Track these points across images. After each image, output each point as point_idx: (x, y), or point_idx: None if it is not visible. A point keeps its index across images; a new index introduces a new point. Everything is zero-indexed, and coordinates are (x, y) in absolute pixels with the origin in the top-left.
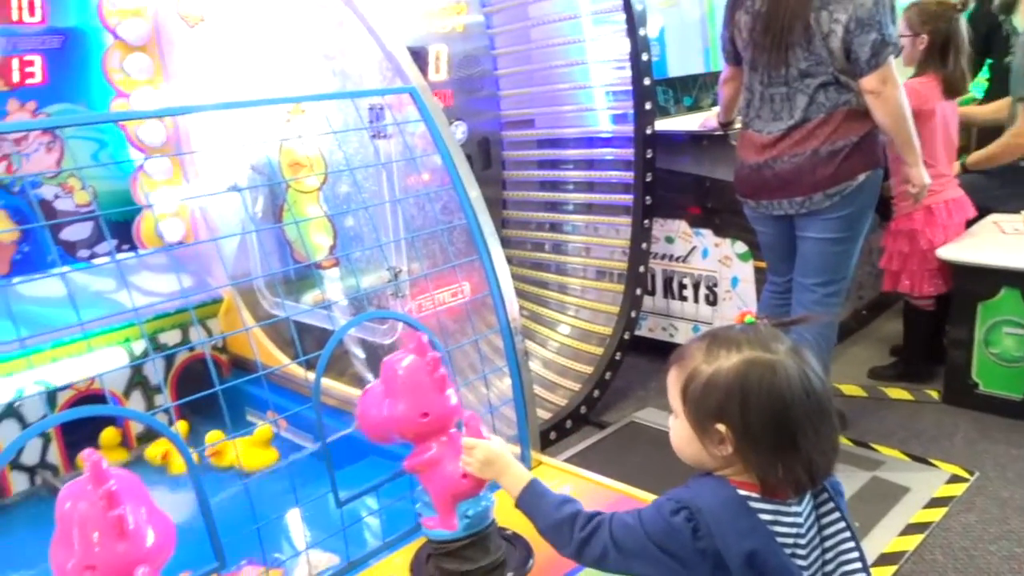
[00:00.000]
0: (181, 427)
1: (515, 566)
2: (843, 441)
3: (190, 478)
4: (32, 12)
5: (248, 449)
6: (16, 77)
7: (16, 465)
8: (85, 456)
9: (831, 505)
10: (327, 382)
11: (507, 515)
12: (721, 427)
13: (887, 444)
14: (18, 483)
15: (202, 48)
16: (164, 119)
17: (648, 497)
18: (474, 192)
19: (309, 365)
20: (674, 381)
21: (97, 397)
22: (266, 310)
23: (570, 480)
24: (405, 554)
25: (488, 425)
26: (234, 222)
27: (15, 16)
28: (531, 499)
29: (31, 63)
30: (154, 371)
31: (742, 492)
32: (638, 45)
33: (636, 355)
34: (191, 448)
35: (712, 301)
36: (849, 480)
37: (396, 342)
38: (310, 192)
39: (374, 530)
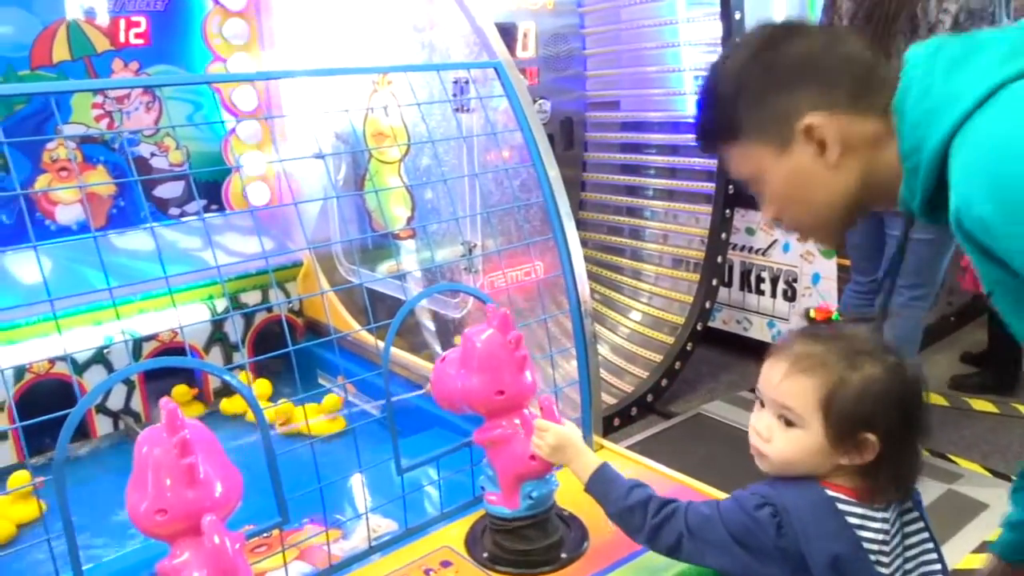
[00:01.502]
0: (263, 386)
1: (571, 547)
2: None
3: (260, 434)
4: None
5: (316, 417)
6: (122, 37)
7: (102, 409)
8: (163, 404)
9: (915, 514)
10: (396, 351)
11: (564, 495)
12: (871, 436)
13: (967, 457)
14: (103, 426)
15: (297, 15)
16: (257, 84)
17: (711, 491)
18: (553, 171)
19: (380, 333)
20: (807, 391)
21: (179, 350)
22: (342, 276)
23: (631, 467)
24: (462, 526)
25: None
26: (317, 188)
27: None
28: (601, 484)
29: (137, 24)
30: (233, 329)
31: (831, 493)
32: (731, 28)
33: (708, 346)
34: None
35: (790, 297)
36: (925, 492)
37: (465, 316)
38: (392, 163)
39: (434, 500)
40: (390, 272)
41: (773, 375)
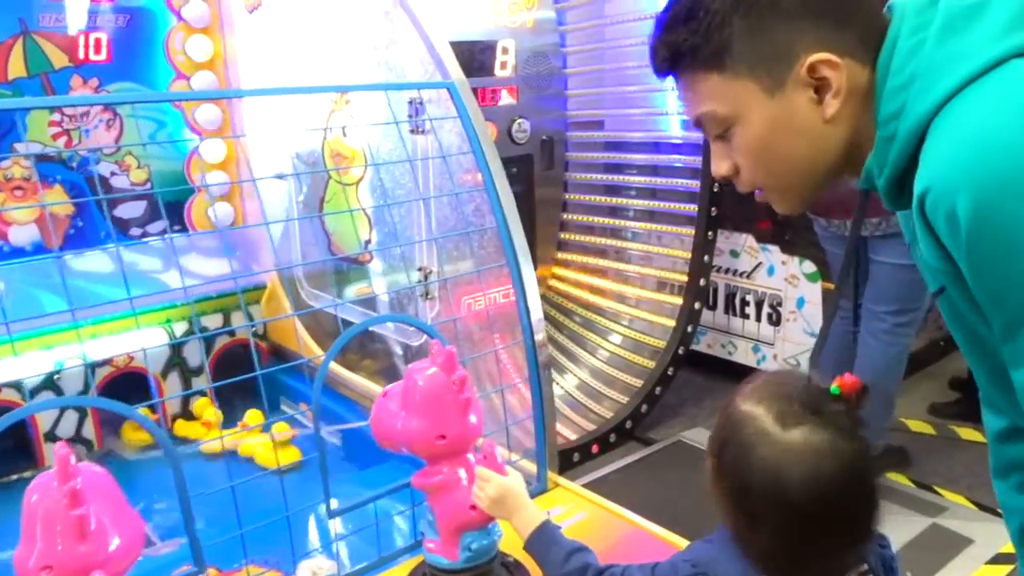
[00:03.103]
0: (210, 411)
1: None
2: (904, 481)
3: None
4: None
5: (268, 447)
6: (82, 54)
7: (51, 436)
8: (56, 450)
9: None
10: (357, 378)
11: (510, 540)
12: (710, 462)
13: (952, 489)
14: (50, 457)
15: (259, 33)
16: (220, 102)
17: (666, 535)
18: (506, 196)
19: (344, 359)
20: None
21: (136, 375)
22: (304, 300)
23: (586, 507)
24: (401, 571)
25: (504, 441)
26: (279, 209)
27: None
28: (541, 544)
29: (98, 40)
30: (194, 353)
31: None
32: None
33: (691, 371)
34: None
35: (775, 321)
36: (907, 526)
37: (424, 344)
38: (350, 185)
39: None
40: (355, 296)
41: None
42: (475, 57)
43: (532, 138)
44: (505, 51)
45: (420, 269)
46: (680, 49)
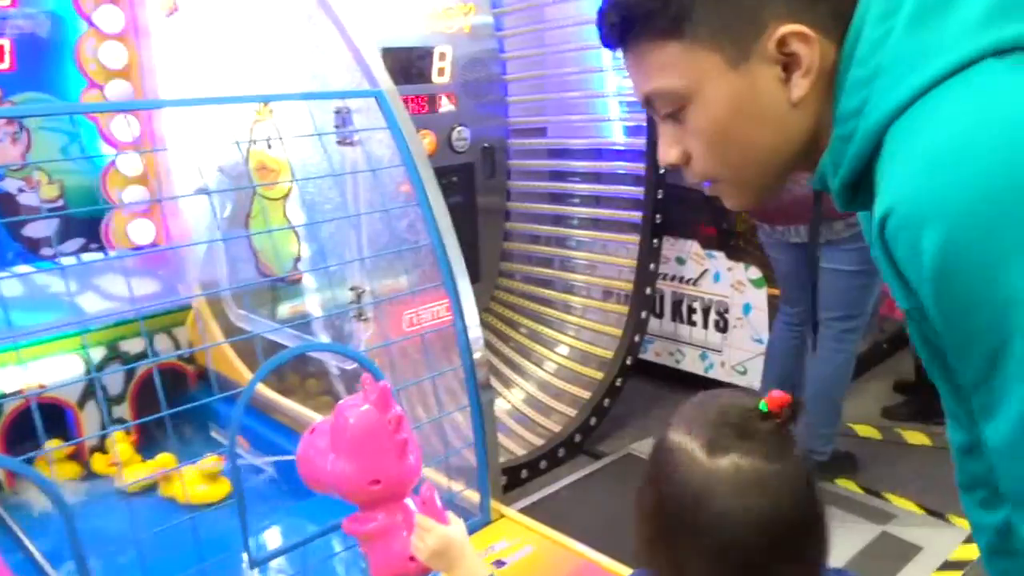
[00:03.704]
0: (123, 448)
1: None
2: (853, 488)
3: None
4: None
5: (196, 481)
6: None
7: None
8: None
9: None
10: (291, 404)
11: None
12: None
13: (901, 494)
14: None
15: (177, 39)
16: (138, 113)
17: (613, 566)
18: (441, 210)
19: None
20: None
21: (49, 406)
22: (231, 321)
23: (532, 539)
24: None
25: (446, 469)
26: (202, 225)
27: None
28: None
29: (0, 48)
30: (113, 381)
31: None
32: None
33: (640, 380)
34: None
35: (722, 327)
36: (857, 534)
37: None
38: (276, 199)
39: None
40: (286, 315)
41: None
42: (411, 64)
43: (472, 146)
44: (442, 57)
45: (353, 288)
46: (633, 13)
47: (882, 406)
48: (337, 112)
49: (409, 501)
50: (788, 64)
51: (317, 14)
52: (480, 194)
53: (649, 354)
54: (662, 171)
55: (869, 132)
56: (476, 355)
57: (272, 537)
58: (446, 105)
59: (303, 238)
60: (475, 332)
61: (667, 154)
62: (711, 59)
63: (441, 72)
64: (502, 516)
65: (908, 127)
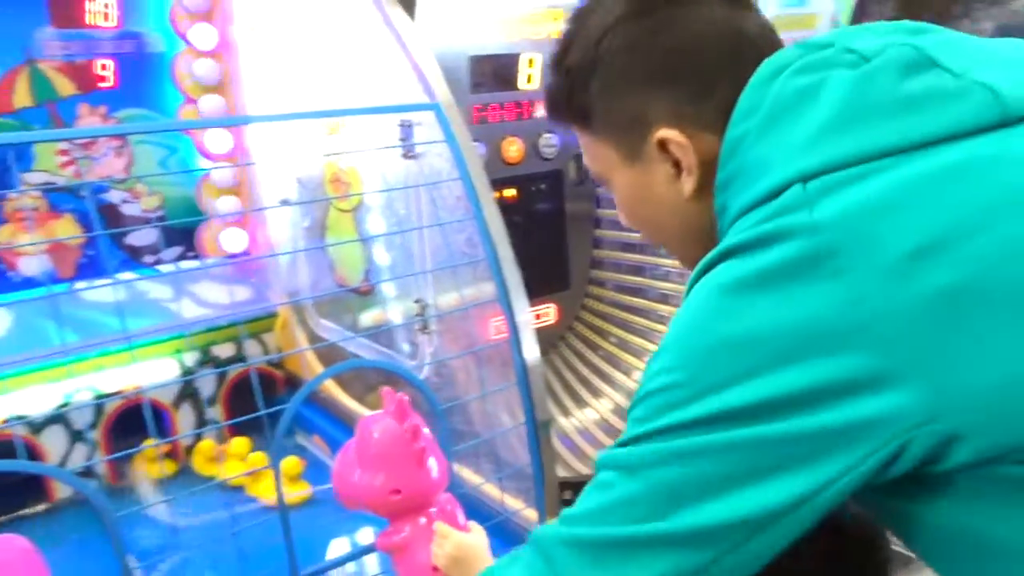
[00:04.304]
0: (240, 444)
1: None
2: None
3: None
4: (107, 17)
5: (270, 485)
6: (89, 81)
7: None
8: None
9: None
10: (366, 411)
11: None
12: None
13: None
14: (62, 489)
15: (262, 54)
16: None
17: None
18: (496, 225)
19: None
20: None
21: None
22: (312, 329)
23: None
24: None
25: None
26: (288, 236)
27: (90, 20)
28: None
29: (105, 67)
30: (206, 383)
31: None
32: None
33: None
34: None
35: None
36: None
37: (430, 374)
38: (347, 211)
39: None
40: (358, 325)
41: None
42: (499, 71)
43: (561, 153)
44: (530, 63)
45: (417, 301)
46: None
47: None
48: (400, 125)
49: (434, 511)
50: (678, 162)
51: (381, 28)
52: (569, 201)
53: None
54: None
55: (726, 234)
56: (533, 377)
57: (343, 545)
58: (534, 112)
59: (373, 250)
60: (530, 349)
61: (620, 218)
62: (612, 153)
63: (529, 79)
64: None
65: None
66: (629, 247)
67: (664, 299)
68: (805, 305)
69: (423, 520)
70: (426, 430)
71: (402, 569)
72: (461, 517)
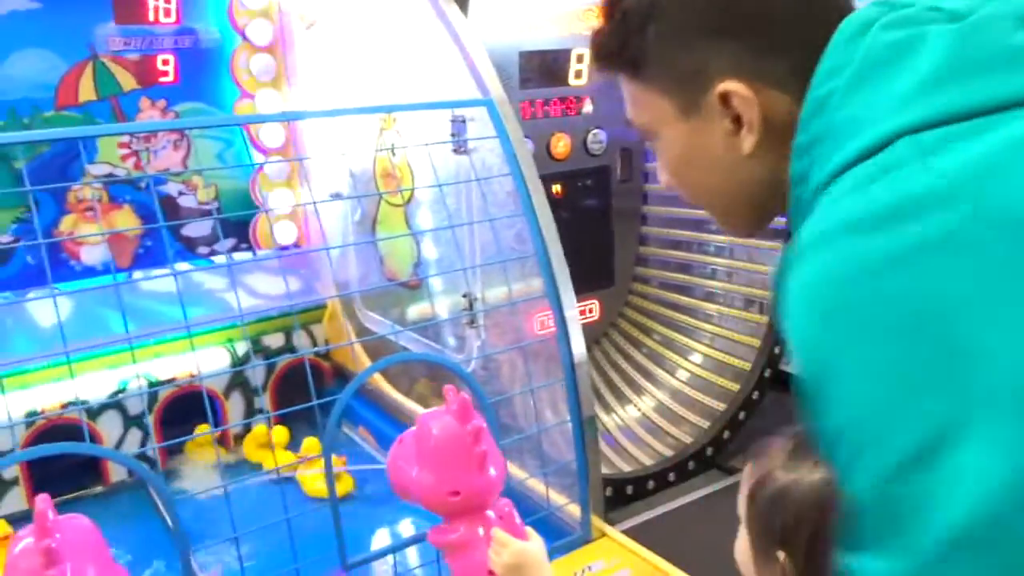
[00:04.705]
0: (280, 434)
1: None
2: None
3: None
4: (168, 14)
5: (320, 475)
6: (150, 75)
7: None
8: (38, 502)
9: None
10: (412, 404)
11: None
12: (782, 555)
13: None
14: (117, 472)
15: (317, 51)
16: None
17: None
18: (547, 221)
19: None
20: (746, 480)
21: (198, 395)
22: (360, 322)
23: (631, 562)
24: None
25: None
26: (338, 228)
27: (151, 17)
28: None
29: (166, 61)
30: (256, 372)
31: None
32: None
33: (781, 393)
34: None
35: None
36: None
37: (477, 367)
38: (398, 206)
39: None
40: (406, 318)
41: None
42: (549, 66)
43: (609, 149)
44: (580, 59)
45: (465, 295)
46: (599, 51)
47: None
48: (453, 121)
49: (491, 514)
50: (738, 117)
51: (435, 24)
52: (616, 197)
53: (792, 366)
54: None
55: (810, 203)
56: (580, 374)
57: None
58: (584, 107)
59: (422, 245)
60: (578, 345)
61: (660, 179)
62: (665, 105)
63: (578, 75)
64: (603, 535)
65: (816, 211)
66: (675, 244)
67: (710, 297)
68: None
69: (479, 522)
70: (487, 432)
71: (455, 567)
72: (519, 523)
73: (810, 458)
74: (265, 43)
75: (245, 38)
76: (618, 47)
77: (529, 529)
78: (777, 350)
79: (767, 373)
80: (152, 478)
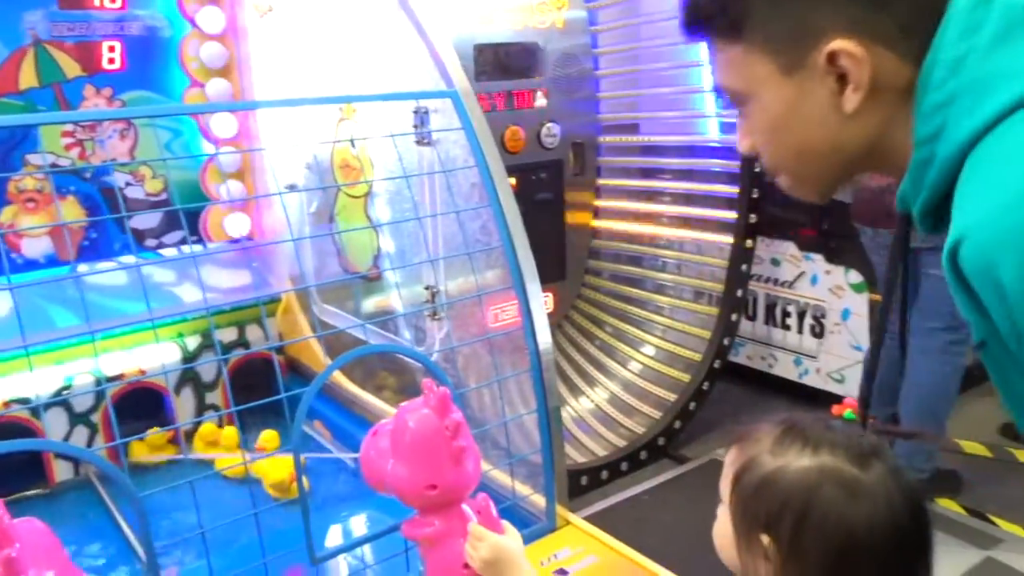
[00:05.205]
0: (229, 434)
1: None
2: (955, 509)
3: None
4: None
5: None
6: (95, 63)
7: (61, 454)
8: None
9: None
10: (378, 402)
11: None
12: (765, 539)
13: (1009, 518)
14: (62, 471)
15: (271, 39)
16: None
17: None
18: (512, 213)
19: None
20: (730, 463)
21: (148, 391)
22: (316, 314)
23: (597, 549)
24: None
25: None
26: (293, 220)
27: (96, 2)
28: None
29: (112, 48)
30: (208, 367)
31: None
32: None
33: (730, 384)
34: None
35: (818, 333)
36: (957, 559)
37: (441, 359)
38: (357, 197)
39: None
40: (365, 312)
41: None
42: (502, 60)
43: (562, 142)
44: (534, 53)
45: (427, 288)
46: (698, 15)
47: (1001, 423)
48: (416, 112)
49: (467, 508)
50: (843, 76)
51: (398, 14)
52: (569, 191)
53: (741, 357)
54: (758, 169)
55: (947, 159)
56: (545, 363)
57: (350, 529)
58: (537, 101)
59: (381, 236)
60: (544, 336)
61: (740, 143)
62: (767, 65)
63: (533, 68)
64: (568, 523)
65: (985, 155)
66: (627, 238)
67: (661, 290)
68: None
69: (454, 516)
70: (465, 426)
71: (430, 561)
72: (496, 517)
73: (797, 444)
74: (216, 31)
75: (195, 26)
76: (719, 9)
77: (506, 523)
78: (726, 341)
79: (717, 364)
80: (122, 478)
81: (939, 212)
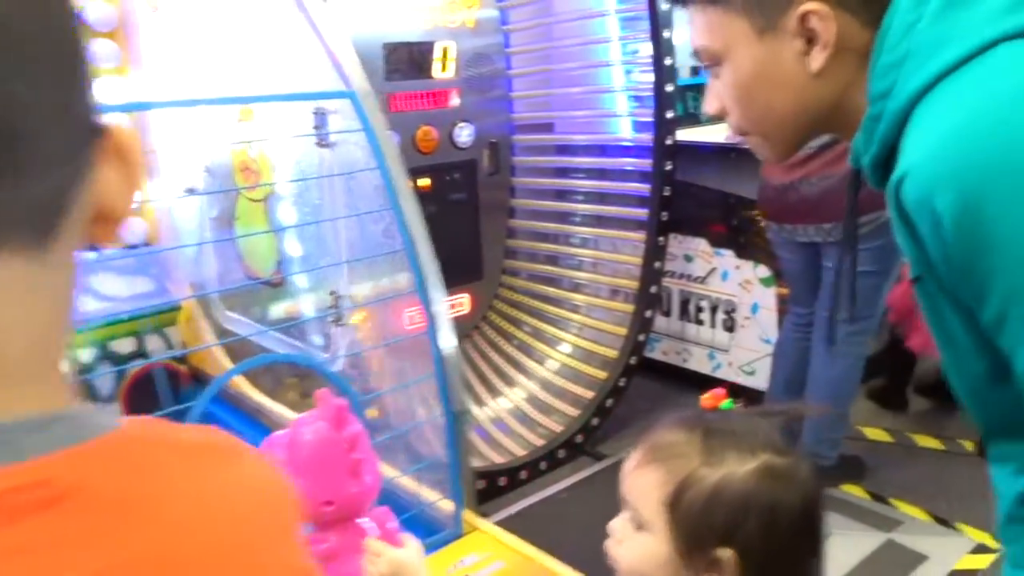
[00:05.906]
0: None
1: None
2: (859, 494)
3: None
4: None
5: None
6: None
7: None
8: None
9: None
10: (284, 410)
11: None
12: (725, 553)
13: (909, 500)
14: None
15: (165, 36)
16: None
17: None
18: (413, 216)
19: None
20: (652, 486)
21: None
22: (217, 321)
23: (504, 554)
24: None
25: (427, 477)
26: (192, 224)
27: None
28: None
29: None
30: (104, 381)
31: None
32: (661, 48)
33: (647, 379)
34: None
35: (730, 327)
36: (861, 542)
37: (344, 367)
38: (258, 200)
39: None
40: (275, 317)
41: (626, 465)
42: (413, 58)
43: (476, 142)
44: (445, 52)
45: (332, 293)
46: None
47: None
48: (315, 113)
49: (365, 522)
50: (811, 38)
51: (294, 12)
52: (483, 191)
53: (656, 353)
54: (669, 167)
55: (895, 112)
56: (448, 363)
57: None
58: (449, 101)
59: (286, 241)
60: (447, 339)
61: (709, 105)
62: (742, 26)
63: (444, 67)
64: (475, 529)
65: (924, 108)
66: (542, 237)
67: (577, 288)
68: None
69: (351, 531)
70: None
71: None
72: (394, 529)
73: (731, 450)
74: (107, 28)
75: (83, 21)
76: None
77: (406, 535)
78: (642, 337)
79: (633, 360)
80: None
81: (888, 165)
